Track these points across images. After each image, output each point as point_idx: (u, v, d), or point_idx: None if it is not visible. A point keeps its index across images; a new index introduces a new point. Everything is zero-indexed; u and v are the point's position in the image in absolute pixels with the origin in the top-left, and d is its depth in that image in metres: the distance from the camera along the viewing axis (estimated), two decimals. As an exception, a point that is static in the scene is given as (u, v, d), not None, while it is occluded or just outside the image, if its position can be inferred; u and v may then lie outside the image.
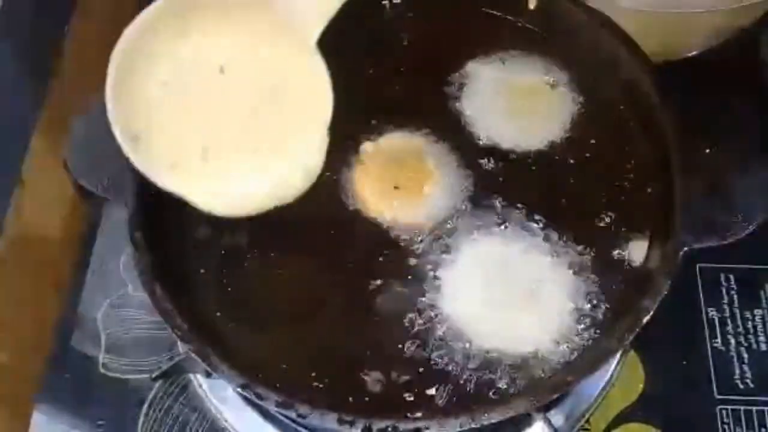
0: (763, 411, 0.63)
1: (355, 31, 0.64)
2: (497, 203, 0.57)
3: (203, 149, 0.48)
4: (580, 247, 0.56)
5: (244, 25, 0.47)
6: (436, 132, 0.60)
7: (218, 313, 0.54)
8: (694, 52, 0.73)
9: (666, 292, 0.50)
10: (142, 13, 0.46)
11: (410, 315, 0.54)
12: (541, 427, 0.51)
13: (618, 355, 0.63)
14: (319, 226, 0.57)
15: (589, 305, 0.54)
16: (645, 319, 0.50)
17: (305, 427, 0.60)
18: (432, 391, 0.51)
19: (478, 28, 0.66)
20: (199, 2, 0.47)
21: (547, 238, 0.56)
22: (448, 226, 0.57)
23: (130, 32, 0.46)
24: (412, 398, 0.51)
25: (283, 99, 0.48)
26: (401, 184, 0.58)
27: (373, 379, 0.52)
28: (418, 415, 0.49)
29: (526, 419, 0.51)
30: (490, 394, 0.51)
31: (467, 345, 0.52)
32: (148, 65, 0.47)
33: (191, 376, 0.64)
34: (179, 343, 0.57)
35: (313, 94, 0.47)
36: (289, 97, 0.48)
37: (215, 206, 0.50)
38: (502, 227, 0.56)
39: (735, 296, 0.68)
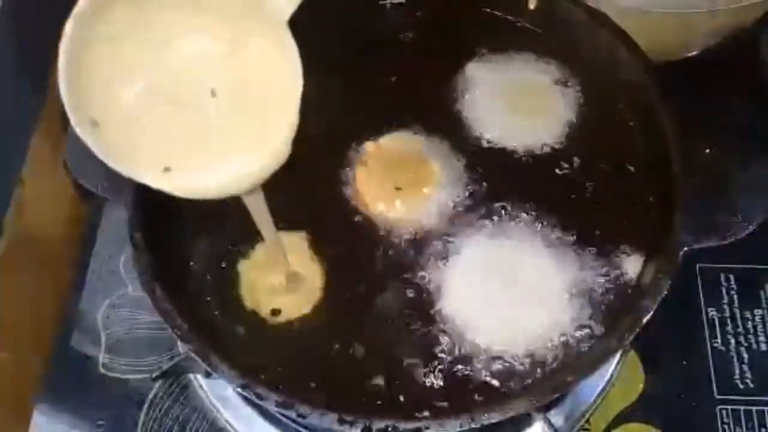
0: (763, 411, 0.63)
1: (355, 31, 0.65)
2: (497, 203, 0.58)
3: (169, 137, 0.45)
4: (580, 247, 0.56)
5: (215, 8, 0.44)
6: (436, 132, 0.61)
7: (218, 313, 0.54)
8: (694, 52, 0.74)
9: (666, 292, 0.50)
10: None
11: (410, 315, 0.54)
12: (541, 427, 0.51)
13: (618, 355, 0.63)
14: (321, 226, 0.57)
15: (589, 305, 0.54)
16: (645, 319, 0.50)
17: (305, 427, 0.60)
18: (431, 391, 0.51)
19: (479, 28, 0.66)
20: None
21: (547, 238, 0.56)
22: (449, 225, 0.57)
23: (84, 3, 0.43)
24: (411, 398, 0.51)
25: (253, 81, 0.46)
26: (403, 185, 0.58)
27: (372, 379, 0.52)
28: (418, 414, 0.49)
29: (527, 419, 0.51)
30: (490, 393, 0.51)
31: (467, 344, 0.52)
32: (103, 38, 0.44)
33: (191, 376, 0.64)
34: (179, 343, 0.57)
35: (283, 74, 0.45)
36: (259, 79, 0.46)
37: (184, 192, 0.46)
38: (502, 227, 0.56)
39: (735, 296, 0.68)
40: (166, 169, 0.45)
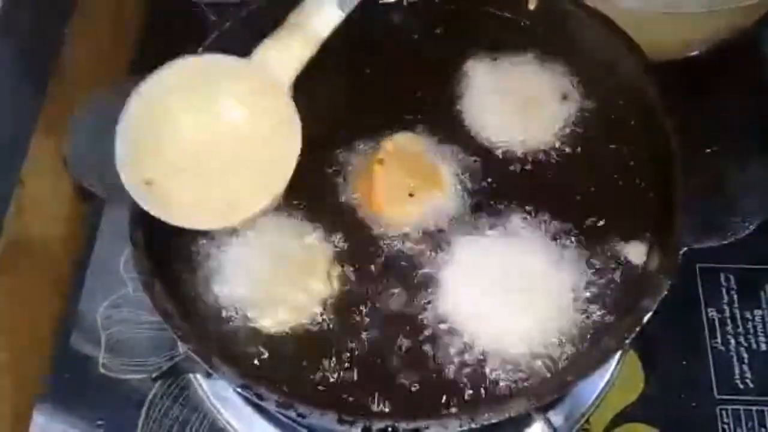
0: (763, 411, 0.63)
1: (356, 32, 0.65)
2: (499, 204, 0.57)
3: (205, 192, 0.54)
4: (580, 247, 0.56)
5: (229, 89, 0.54)
6: (438, 133, 0.60)
7: (218, 313, 0.54)
8: (694, 52, 0.74)
9: (666, 292, 0.50)
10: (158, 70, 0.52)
11: (411, 315, 0.54)
12: (541, 427, 0.51)
13: (618, 355, 0.63)
14: (324, 227, 0.57)
15: (589, 305, 0.54)
16: (645, 319, 0.50)
17: (305, 427, 0.60)
18: (432, 391, 0.51)
19: (479, 26, 0.66)
20: (199, 66, 0.54)
21: (548, 239, 0.56)
22: (452, 226, 0.57)
23: (144, 86, 0.52)
24: (412, 398, 0.51)
25: (259, 146, 0.54)
26: (414, 190, 0.57)
27: (373, 379, 0.52)
28: (418, 415, 0.49)
29: (526, 419, 0.51)
30: (490, 394, 0.51)
31: (468, 345, 0.52)
32: (158, 113, 0.53)
33: (191, 376, 0.64)
34: (179, 343, 0.57)
35: (285, 137, 0.53)
36: (266, 142, 0.54)
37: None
38: (504, 227, 0.56)
39: (735, 296, 0.68)
40: (214, 215, 0.54)
